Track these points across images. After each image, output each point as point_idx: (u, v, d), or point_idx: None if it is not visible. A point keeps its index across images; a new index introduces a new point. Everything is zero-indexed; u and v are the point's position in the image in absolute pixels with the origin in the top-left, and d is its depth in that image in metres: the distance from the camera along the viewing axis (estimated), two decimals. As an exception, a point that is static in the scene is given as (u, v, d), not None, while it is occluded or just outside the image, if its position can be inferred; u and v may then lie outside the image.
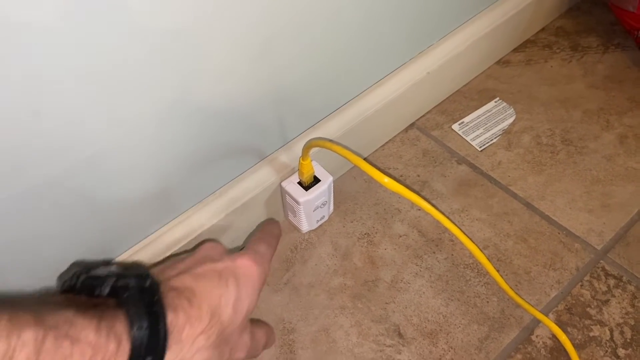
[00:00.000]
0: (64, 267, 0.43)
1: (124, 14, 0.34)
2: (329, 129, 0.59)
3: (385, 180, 0.42)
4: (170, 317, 0.32)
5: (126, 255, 0.49)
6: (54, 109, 0.35)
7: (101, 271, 0.32)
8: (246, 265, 0.39)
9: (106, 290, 0.31)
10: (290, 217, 0.60)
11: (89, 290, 0.31)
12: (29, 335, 0.26)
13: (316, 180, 0.56)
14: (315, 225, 0.60)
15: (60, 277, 0.40)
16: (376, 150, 0.67)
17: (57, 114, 0.35)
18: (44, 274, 0.41)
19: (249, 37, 0.44)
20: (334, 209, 0.62)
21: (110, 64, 0.36)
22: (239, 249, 0.47)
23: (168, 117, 0.43)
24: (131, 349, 0.29)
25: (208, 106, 0.45)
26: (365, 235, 0.60)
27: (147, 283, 0.32)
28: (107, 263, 0.33)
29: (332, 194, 0.59)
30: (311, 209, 0.57)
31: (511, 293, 0.52)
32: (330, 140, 0.53)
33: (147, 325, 0.30)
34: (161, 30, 0.37)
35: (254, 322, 0.43)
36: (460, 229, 0.45)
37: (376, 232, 0.60)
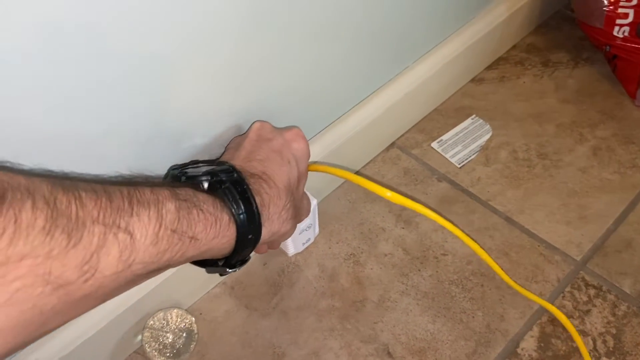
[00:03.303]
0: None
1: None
2: (311, 151, 0.60)
3: (388, 195, 0.43)
4: (258, 200, 0.38)
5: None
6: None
7: (195, 171, 0.39)
8: (297, 140, 0.45)
9: (205, 185, 0.37)
10: (276, 241, 0.61)
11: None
12: (170, 205, 0.32)
13: (300, 204, 0.57)
14: (302, 248, 0.61)
15: None
16: (358, 171, 0.69)
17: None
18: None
19: (224, 70, 0.45)
20: (320, 230, 0.63)
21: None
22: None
23: (150, 141, 0.44)
24: (237, 226, 0.36)
25: (183, 136, 0.46)
26: (351, 256, 0.61)
27: (235, 176, 0.38)
28: (194, 162, 0.41)
29: (317, 217, 0.59)
30: (297, 232, 0.57)
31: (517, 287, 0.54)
32: (328, 164, 0.55)
33: (244, 210, 0.37)
34: (140, 55, 0.38)
35: None
36: (467, 234, 0.46)
37: (362, 252, 0.61)
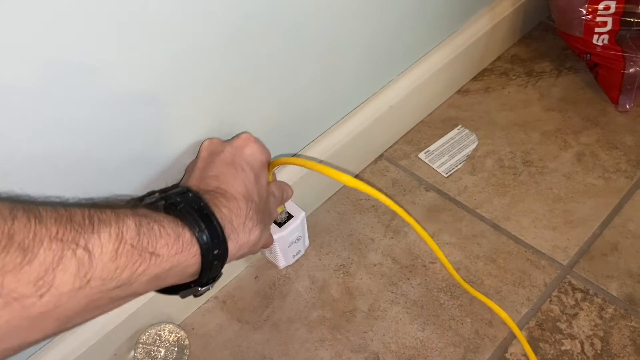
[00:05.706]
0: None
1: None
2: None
3: (344, 178, 0.42)
4: (218, 215, 0.38)
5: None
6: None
7: (150, 199, 0.39)
8: (247, 145, 0.45)
9: (161, 210, 0.37)
10: (267, 254, 0.61)
11: None
12: (130, 221, 0.32)
13: (289, 216, 0.57)
14: (292, 261, 0.62)
15: None
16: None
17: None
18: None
19: (214, 85, 0.46)
20: (310, 242, 0.64)
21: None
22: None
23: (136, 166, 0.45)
24: (200, 244, 0.36)
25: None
26: (341, 267, 0.62)
27: (190, 195, 0.38)
28: (150, 193, 0.40)
29: (305, 229, 0.60)
30: (286, 244, 0.58)
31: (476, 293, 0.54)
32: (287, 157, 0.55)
33: (204, 227, 0.36)
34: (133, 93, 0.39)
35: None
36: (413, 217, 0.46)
37: (351, 263, 0.62)
